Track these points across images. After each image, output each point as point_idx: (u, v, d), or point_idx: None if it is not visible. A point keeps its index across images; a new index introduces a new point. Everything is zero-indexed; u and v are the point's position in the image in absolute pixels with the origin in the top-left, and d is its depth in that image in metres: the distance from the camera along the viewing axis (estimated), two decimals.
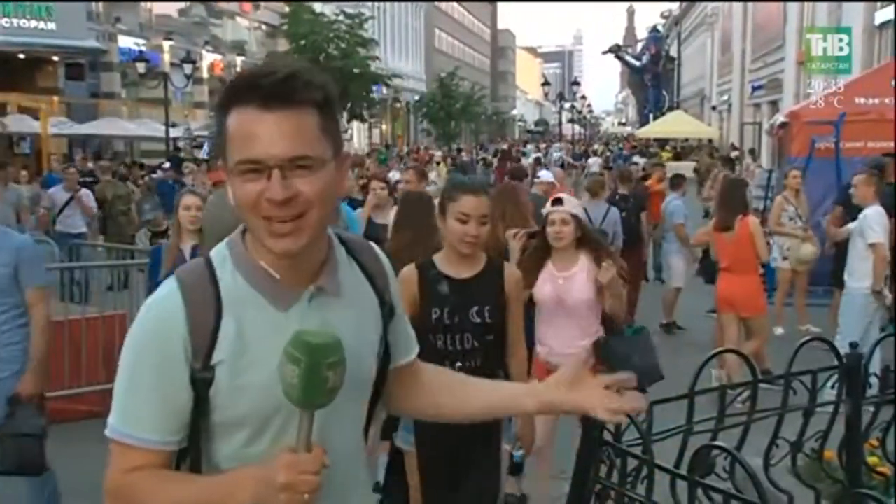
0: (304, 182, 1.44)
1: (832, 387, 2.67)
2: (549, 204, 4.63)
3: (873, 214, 6.78)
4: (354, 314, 1.61)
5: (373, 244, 1.78)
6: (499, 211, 5.11)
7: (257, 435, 1.50)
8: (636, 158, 26.85)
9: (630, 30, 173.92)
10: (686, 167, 22.56)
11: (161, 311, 1.51)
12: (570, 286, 4.53)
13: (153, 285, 4.90)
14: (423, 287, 3.31)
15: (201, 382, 1.48)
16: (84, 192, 11.40)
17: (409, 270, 3.37)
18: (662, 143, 40.95)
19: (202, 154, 25.08)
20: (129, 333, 1.53)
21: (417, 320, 2.80)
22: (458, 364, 3.22)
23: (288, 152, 1.42)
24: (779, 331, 8.54)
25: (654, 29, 66.43)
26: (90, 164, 18.84)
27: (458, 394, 1.84)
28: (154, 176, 17.74)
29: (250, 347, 1.48)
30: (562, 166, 19.32)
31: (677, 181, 10.67)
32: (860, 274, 6.77)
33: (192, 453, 1.53)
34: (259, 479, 1.41)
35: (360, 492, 1.69)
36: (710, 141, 38.94)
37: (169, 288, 1.53)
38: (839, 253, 7.71)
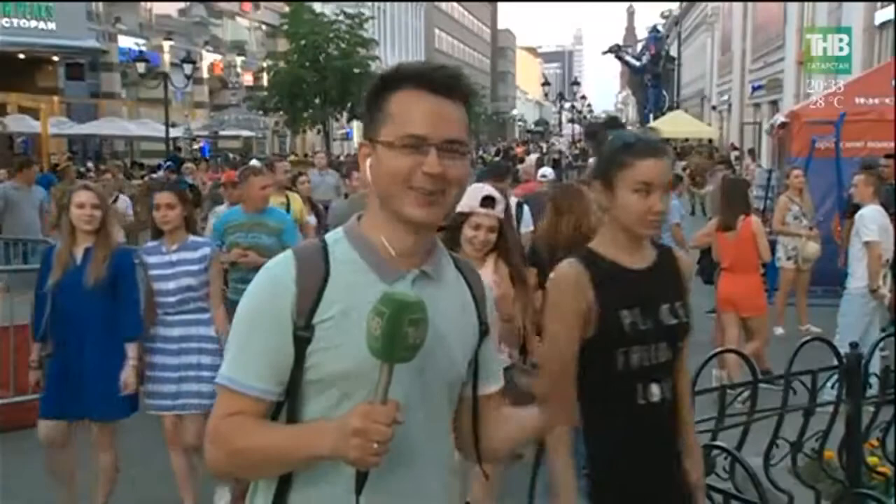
0: (452, 165, 1.62)
1: (832, 387, 2.67)
2: (477, 202, 3.82)
3: (868, 213, 6.80)
4: (454, 311, 1.71)
5: (473, 263, 1.94)
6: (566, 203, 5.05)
7: (345, 397, 1.59)
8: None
9: (630, 30, 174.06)
10: (679, 167, 22.61)
11: (275, 271, 1.66)
12: None
13: (40, 298, 4.44)
14: (599, 286, 2.37)
15: (301, 340, 1.60)
16: (122, 198, 10.83)
17: (572, 268, 2.40)
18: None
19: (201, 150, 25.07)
20: (245, 292, 1.69)
21: (601, 334, 2.30)
22: (657, 386, 2.37)
23: (449, 134, 1.62)
24: (779, 331, 8.53)
25: (654, 29, 66.35)
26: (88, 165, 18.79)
27: (500, 426, 1.85)
28: (154, 176, 17.73)
29: (350, 312, 1.59)
30: (555, 165, 19.05)
31: (673, 181, 10.72)
32: (858, 274, 6.77)
33: (287, 409, 1.65)
34: (337, 427, 1.50)
35: (447, 487, 1.73)
36: (710, 141, 38.93)
37: (285, 255, 1.69)
38: None
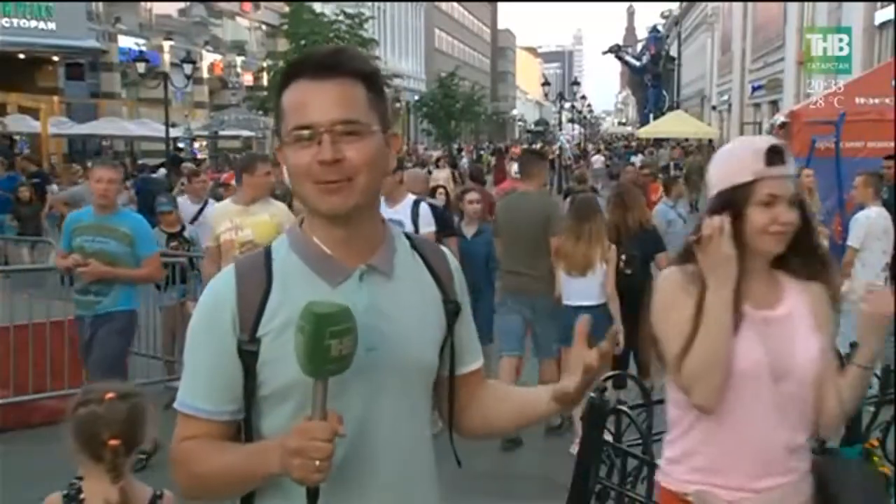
0: (351, 148, 1.53)
1: None
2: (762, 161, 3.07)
3: (860, 218, 6.87)
4: (411, 300, 1.64)
5: (441, 246, 1.83)
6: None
7: (302, 408, 1.52)
8: (634, 158, 27.27)
9: (630, 30, 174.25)
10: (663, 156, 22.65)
11: (215, 287, 1.64)
12: None
13: None
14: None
15: (247, 354, 1.56)
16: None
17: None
18: (662, 143, 40.93)
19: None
20: (194, 311, 1.67)
21: None
22: None
23: (336, 116, 1.53)
24: None
25: (654, 29, 66.43)
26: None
27: (502, 403, 1.79)
28: (153, 176, 17.71)
29: (295, 321, 1.50)
30: (551, 166, 19.17)
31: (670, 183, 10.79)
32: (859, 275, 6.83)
33: (245, 426, 1.62)
34: (279, 447, 1.46)
35: (422, 485, 1.67)
36: (710, 141, 38.95)
37: (227, 268, 1.65)
38: None
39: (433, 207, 6.28)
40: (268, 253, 1.64)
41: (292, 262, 1.61)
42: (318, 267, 1.59)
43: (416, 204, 5.93)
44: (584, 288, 5.77)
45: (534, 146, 35.03)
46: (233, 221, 5.38)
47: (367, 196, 1.58)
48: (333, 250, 1.60)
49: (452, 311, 1.71)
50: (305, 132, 1.54)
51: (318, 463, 1.40)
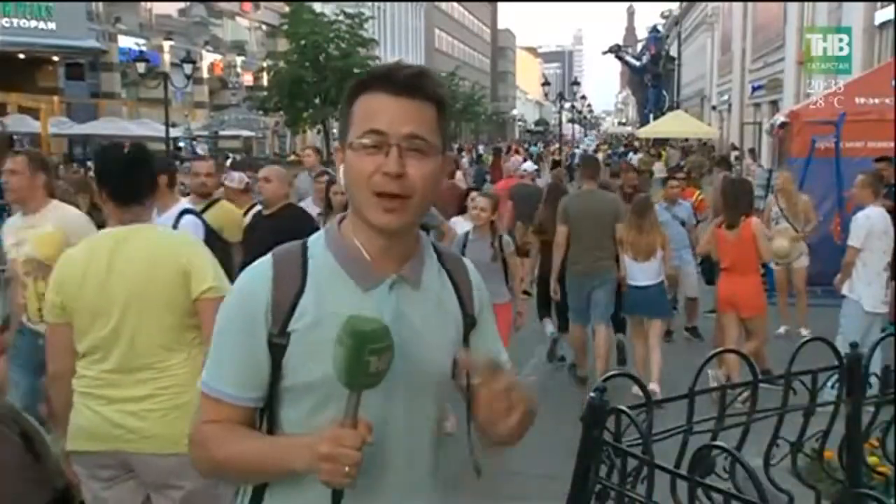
0: (415, 165, 1.58)
1: (832, 387, 2.67)
2: None
3: (860, 218, 6.88)
4: (433, 312, 1.70)
5: (465, 259, 1.87)
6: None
7: (322, 404, 1.59)
8: (631, 155, 27.72)
9: (630, 30, 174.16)
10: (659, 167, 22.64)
11: (252, 278, 1.67)
12: None
13: None
14: None
15: (276, 347, 1.61)
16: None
17: None
18: (662, 142, 40.95)
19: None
20: (225, 297, 1.72)
21: None
22: None
23: (408, 130, 1.58)
24: (781, 329, 8.58)
25: (654, 29, 66.38)
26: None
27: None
28: None
29: (326, 320, 1.57)
30: (555, 165, 19.15)
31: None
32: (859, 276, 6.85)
33: (266, 415, 1.67)
34: (308, 448, 1.50)
35: (428, 488, 1.72)
36: (705, 143, 38.95)
37: (263, 260, 1.68)
38: None
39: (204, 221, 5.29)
40: (304, 248, 1.68)
41: (328, 262, 1.65)
42: (352, 270, 1.64)
43: (180, 215, 5.07)
44: (647, 270, 7.22)
45: (533, 146, 35.35)
46: (16, 236, 4.48)
47: (419, 214, 1.65)
48: (371, 255, 1.65)
49: (469, 325, 1.76)
50: (375, 139, 1.57)
51: (347, 469, 1.46)
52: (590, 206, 7.54)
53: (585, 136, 47.92)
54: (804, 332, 8.27)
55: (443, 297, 1.73)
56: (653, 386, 6.62)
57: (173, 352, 3.12)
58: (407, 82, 1.61)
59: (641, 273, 7.22)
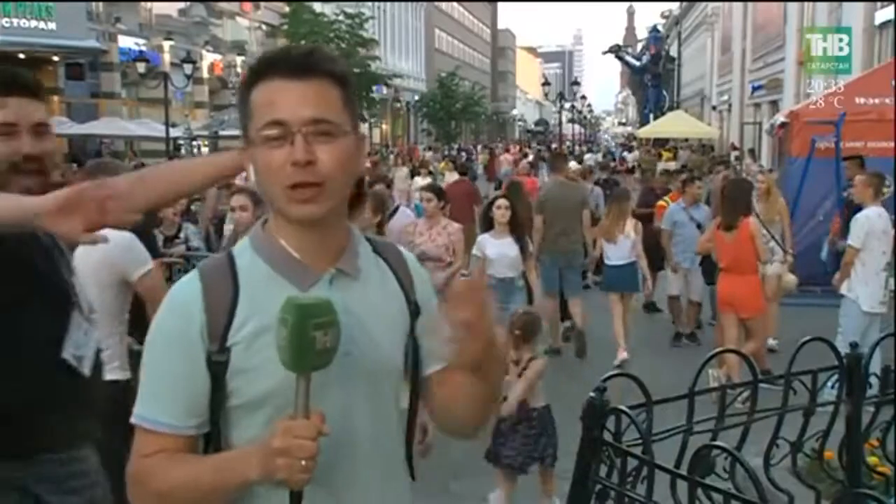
0: (324, 150, 1.49)
1: (832, 387, 2.67)
2: None
3: (862, 218, 6.87)
4: (379, 303, 1.62)
5: (399, 245, 1.80)
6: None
7: (277, 415, 1.47)
8: (625, 153, 31.19)
9: (630, 30, 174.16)
10: (672, 166, 22.65)
11: (180, 296, 1.56)
12: None
13: None
14: None
15: (217, 365, 1.50)
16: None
17: None
18: (662, 142, 41.00)
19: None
20: (153, 320, 1.58)
21: None
22: None
23: (310, 115, 1.48)
24: (771, 342, 8.17)
25: (654, 29, 66.39)
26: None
27: (458, 394, 1.73)
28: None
29: (266, 328, 1.47)
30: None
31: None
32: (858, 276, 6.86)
33: (213, 438, 1.56)
34: (260, 449, 1.42)
35: (393, 483, 1.66)
36: (703, 145, 38.95)
37: (190, 275, 1.59)
38: None
39: None
40: (230, 257, 1.58)
41: (258, 267, 1.55)
42: (286, 271, 1.55)
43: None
44: (619, 250, 8.34)
45: (530, 146, 35.59)
46: None
47: (338, 200, 1.55)
48: (301, 254, 1.56)
49: (414, 313, 1.68)
50: (277, 130, 1.48)
51: (303, 462, 1.37)
52: (559, 196, 8.87)
53: (610, 143, 48.29)
54: (772, 342, 8.05)
55: (385, 285, 1.66)
56: (622, 354, 8.10)
57: None
58: (299, 63, 1.51)
59: (613, 253, 8.38)
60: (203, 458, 1.55)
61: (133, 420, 1.55)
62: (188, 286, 1.56)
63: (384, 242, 1.77)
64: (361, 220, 5.91)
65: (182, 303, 1.55)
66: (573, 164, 13.53)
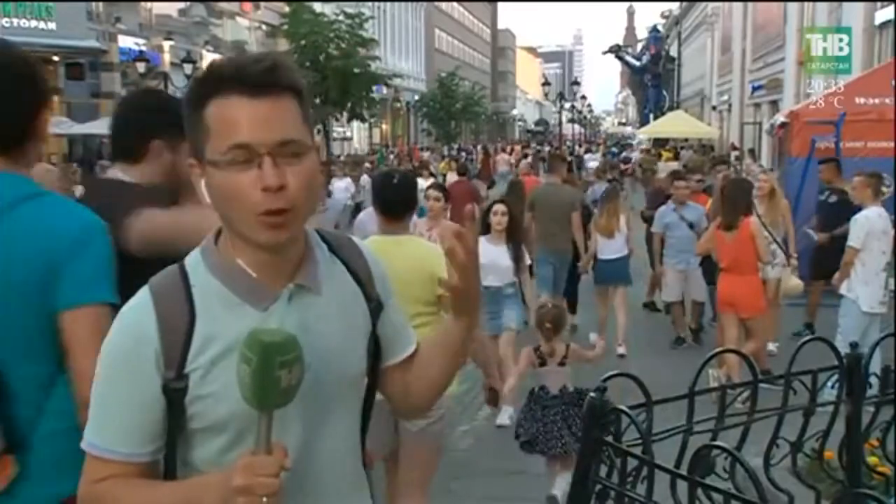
0: (293, 171, 1.41)
1: (832, 387, 2.67)
2: None
3: (861, 219, 6.87)
4: (339, 312, 1.57)
5: (355, 238, 1.75)
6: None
7: (237, 440, 1.45)
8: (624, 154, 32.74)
9: (630, 30, 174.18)
10: (674, 167, 22.64)
11: (132, 321, 1.48)
12: None
13: None
14: None
15: (174, 392, 1.44)
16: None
17: None
18: (662, 142, 41.02)
19: None
20: (103, 343, 1.49)
21: None
22: None
23: (278, 137, 1.40)
24: (771, 346, 8.08)
25: (654, 29, 66.42)
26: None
27: (429, 357, 1.72)
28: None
29: (226, 352, 1.42)
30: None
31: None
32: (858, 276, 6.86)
33: (168, 460, 1.50)
34: (221, 483, 1.36)
35: (355, 497, 1.65)
36: (703, 145, 38.96)
37: (141, 296, 1.49)
38: None
39: None
40: (184, 275, 1.49)
41: (214, 288, 1.47)
42: (243, 293, 1.47)
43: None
44: (611, 245, 8.71)
45: (530, 146, 35.69)
46: None
47: (306, 218, 1.49)
48: (259, 272, 1.48)
49: (375, 310, 1.64)
50: (242, 154, 1.39)
51: (265, 500, 1.31)
52: (548, 198, 9.18)
53: (633, 150, 48.37)
54: (771, 346, 7.98)
55: (344, 290, 1.59)
56: (620, 349, 8.37)
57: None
58: (261, 79, 1.41)
59: (607, 248, 8.74)
60: (161, 484, 1.49)
61: (83, 445, 1.49)
62: (140, 307, 1.47)
63: (338, 237, 1.69)
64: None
65: (134, 326, 1.46)
66: (591, 163, 13.71)
